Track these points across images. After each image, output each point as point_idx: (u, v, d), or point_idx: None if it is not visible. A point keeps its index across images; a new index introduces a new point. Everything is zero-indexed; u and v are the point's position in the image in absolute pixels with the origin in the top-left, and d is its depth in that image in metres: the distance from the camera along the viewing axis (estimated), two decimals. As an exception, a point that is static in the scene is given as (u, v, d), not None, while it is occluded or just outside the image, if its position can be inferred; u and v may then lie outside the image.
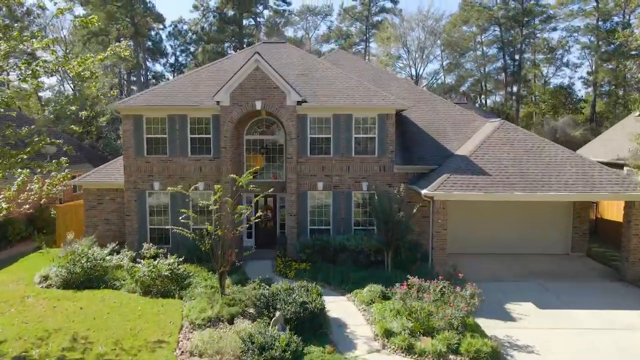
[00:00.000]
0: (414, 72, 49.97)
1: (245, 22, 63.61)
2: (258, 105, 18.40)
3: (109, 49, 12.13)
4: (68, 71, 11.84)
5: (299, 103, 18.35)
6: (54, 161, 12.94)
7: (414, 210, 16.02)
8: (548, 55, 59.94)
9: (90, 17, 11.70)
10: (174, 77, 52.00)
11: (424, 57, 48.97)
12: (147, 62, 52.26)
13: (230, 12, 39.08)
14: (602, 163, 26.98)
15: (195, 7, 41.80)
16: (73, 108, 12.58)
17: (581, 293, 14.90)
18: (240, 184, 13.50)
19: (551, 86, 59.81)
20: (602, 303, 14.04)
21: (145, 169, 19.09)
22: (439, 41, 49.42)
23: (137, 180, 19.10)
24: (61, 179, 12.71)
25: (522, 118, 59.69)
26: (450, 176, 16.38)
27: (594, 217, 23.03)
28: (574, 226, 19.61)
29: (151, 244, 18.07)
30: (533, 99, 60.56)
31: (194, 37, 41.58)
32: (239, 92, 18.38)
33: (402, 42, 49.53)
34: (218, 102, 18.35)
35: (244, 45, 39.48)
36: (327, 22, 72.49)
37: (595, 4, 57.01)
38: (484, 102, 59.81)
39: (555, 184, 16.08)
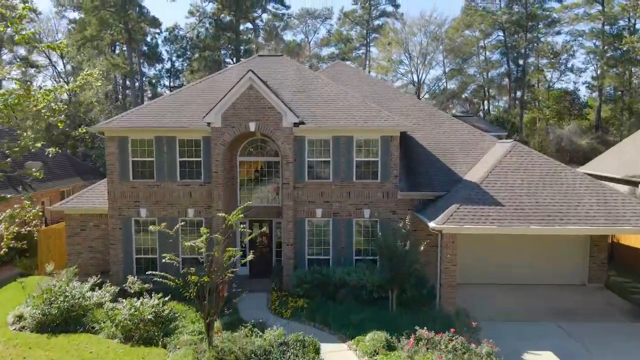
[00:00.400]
0: (415, 78, 48.71)
1: (242, 26, 62.38)
2: (252, 126, 17.08)
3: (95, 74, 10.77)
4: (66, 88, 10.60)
5: (296, 125, 17.03)
6: (23, 197, 11.60)
7: (421, 248, 14.67)
8: (552, 60, 58.67)
9: (59, 42, 10.35)
10: (170, 82, 50.74)
11: (426, 63, 47.67)
12: (143, 68, 51.02)
13: (227, 19, 37.71)
14: (615, 179, 25.79)
15: (191, 13, 40.53)
16: (60, 125, 11.17)
17: (606, 339, 13.57)
18: (230, 222, 12.18)
19: (555, 91, 58.54)
20: (633, 353, 12.71)
21: (131, 195, 17.76)
22: (441, 47, 48.09)
23: (122, 207, 17.77)
24: (31, 217, 11.40)
25: (526, 124, 58.48)
26: (460, 207, 15.06)
27: (610, 241, 21.72)
28: (591, 255, 18.30)
29: (136, 277, 16.74)
30: (537, 104, 59.29)
31: (189, 43, 40.20)
32: (231, 113, 17.05)
33: (404, 48, 48.22)
34: (209, 124, 17.04)
35: (241, 53, 38.18)
36: (327, 25, 71.29)
37: (600, 7, 55.79)
38: (487, 108, 58.60)
39: (575, 216, 14.76)
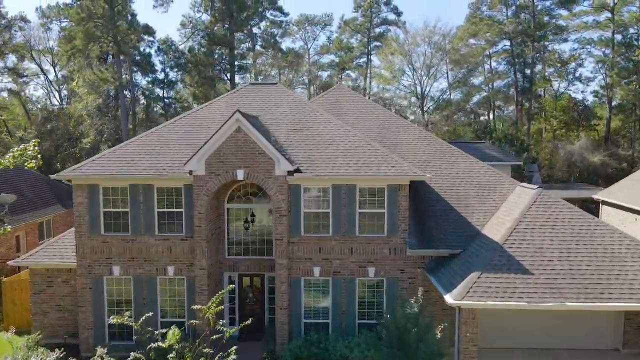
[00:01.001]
0: (419, 90, 46.55)
1: (239, 34, 60.36)
2: (240, 174, 14.90)
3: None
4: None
5: (290, 173, 14.86)
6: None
7: (438, 334, 12.46)
8: (560, 69, 56.52)
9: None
10: (164, 92, 48.40)
11: (430, 75, 45.50)
12: (136, 77, 48.85)
13: (221, 32, 35.53)
14: (641, 214, 23.67)
15: (183, 25, 38.29)
16: (33, 164, 9.22)
17: None
18: (207, 315, 9.98)
19: (563, 101, 56.32)
20: None
21: (103, 250, 15.57)
22: (446, 58, 45.94)
23: (92, 264, 15.58)
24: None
25: (533, 134, 56.32)
26: (482, 275, 12.88)
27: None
28: (627, 318, 16.11)
29: (109, 345, 14.53)
30: (543, 114, 57.06)
31: (182, 57, 37.94)
32: (216, 159, 14.88)
33: (407, 60, 46.07)
34: (190, 172, 14.86)
35: (235, 68, 36.00)
36: (327, 32, 69.15)
37: (609, 14, 53.66)
38: (493, 120, 56.38)
39: (617, 288, 12.59)
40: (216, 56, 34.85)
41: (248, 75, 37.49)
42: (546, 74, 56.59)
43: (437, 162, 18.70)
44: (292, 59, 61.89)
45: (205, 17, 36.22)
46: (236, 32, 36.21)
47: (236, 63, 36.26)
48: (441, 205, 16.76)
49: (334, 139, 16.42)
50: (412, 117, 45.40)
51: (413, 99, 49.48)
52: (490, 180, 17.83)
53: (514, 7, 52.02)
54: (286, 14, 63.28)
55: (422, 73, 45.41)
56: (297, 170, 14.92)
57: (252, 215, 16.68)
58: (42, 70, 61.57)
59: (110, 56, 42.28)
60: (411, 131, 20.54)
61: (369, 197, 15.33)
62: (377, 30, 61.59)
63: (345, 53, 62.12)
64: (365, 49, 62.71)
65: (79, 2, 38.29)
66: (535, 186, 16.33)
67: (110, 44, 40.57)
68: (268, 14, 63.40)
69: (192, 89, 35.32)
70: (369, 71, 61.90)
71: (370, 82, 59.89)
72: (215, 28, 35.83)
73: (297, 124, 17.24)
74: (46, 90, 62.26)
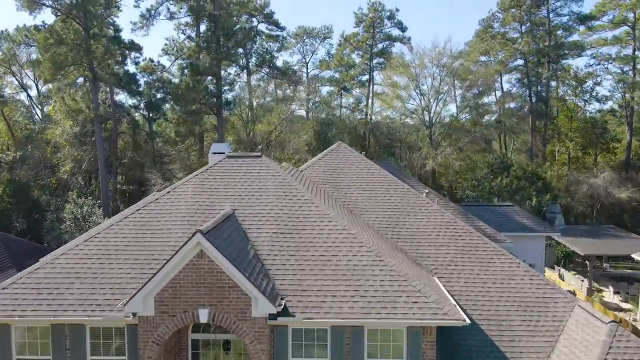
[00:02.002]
0: (426, 118, 42.37)
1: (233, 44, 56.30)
2: (203, 315, 10.75)
3: None
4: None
5: (273, 316, 10.69)
6: None
7: None
8: (577, 90, 52.42)
9: None
10: (148, 114, 44.08)
11: (438, 100, 41.39)
12: (121, 99, 44.71)
13: (206, 61, 31.34)
14: None
15: (165, 51, 34.12)
16: None
17: None
18: None
19: (579, 121, 52.13)
20: None
21: (17, 413, 11.40)
22: (456, 81, 41.83)
23: None
24: None
25: (547, 155, 52.17)
26: None
27: None
28: None
29: None
30: (557, 135, 52.82)
31: (164, 88, 33.72)
32: (170, 295, 10.72)
33: (414, 84, 41.96)
34: (134, 314, 10.71)
35: (223, 102, 31.80)
36: (327, 44, 65.06)
37: (629, 29, 49.55)
38: (505, 146, 52.27)
39: None
40: (200, 88, 30.58)
41: (235, 109, 33.25)
42: (560, 91, 52.55)
43: (466, 264, 14.50)
44: (289, 75, 57.84)
45: (190, 43, 31.96)
46: (224, 60, 31.99)
47: (224, 97, 32.02)
48: (478, 339, 12.55)
49: (333, 250, 12.24)
50: (420, 147, 41.16)
51: (416, 119, 45.20)
52: (538, 295, 13.61)
53: (528, 24, 47.85)
54: (282, 28, 59.34)
55: (431, 99, 41.26)
56: (284, 312, 10.74)
57: (227, 346, 12.50)
58: (22, 86, 57.53)
59: (89, 82, 38.01)
60: (429, 212, 16.32)
61: (382, 341, 11.15)
62: (380, 45, 57.54)
63: (345, 70, 57.96)
64: (367, 66, 58.67)
65: (48, 26, 34.10)
66: (607, 321, 11.99)
67: (85, 71, 36.44)
68: (263, 28, 59.42)
69: (173, 127, 31.11)
70: (371, 88, 57.74)
71: (372, 102, 55.77)
72: (201, 56, 31.60)
73: (284, 222, 13.06)
74: (26, 109, 58.11)
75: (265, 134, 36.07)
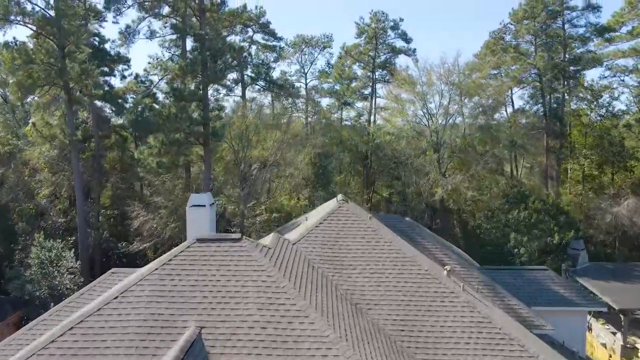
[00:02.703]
0: (434, 139, 38.90)
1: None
2: None
3: None
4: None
5: None
6: None
7: None
8: (592, 104, 48.99)
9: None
10: (134, 134, 40.52)
11: (447, 120, 38.01)
12: (108, 110, 41.29)
13: (191, 86, 27.87)
14: None
15: (147, 72, 30.70)
16: None
17: None
18: None
19: (593, 137, 48.69)
20: None
21: None
22: (466, 100, 38.49)
23: None
24: None
25: (562, 172, 48.78)
26: None
27: None
28: None
29: None
30: (569, 151, 49.35)
31: (145, 112, 30.25)
32: None
33: (422, 104, 38.61)
34: None
35: (209, 131, 28.34)
36: (326, 54, 61.62)
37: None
38: (516, 169, 48.93)
39: None
40: (183, 116, 27.16)
41: (225, 138, 29.84)
42: (572, 105, 49.07)
43: (507, 390, 11.09)
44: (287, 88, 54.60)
45: (174, 64, 28.43)
46: (211, 84, 28.58)
47: (210, 125, 28.55)
48: None
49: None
50: (428, 172, 37.78)
51: (423, 141, 41.76)
52: None
53: (543, 37, 44.37)
54: (279, 39, 56.09)
55: (439, 118, 37.87)
56: None
57: None
58: (4, 99, 54.11)
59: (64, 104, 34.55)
60: (454, 308, 12.86)
61: None
62: (383, 57, 54.09)
63: (346, 84, 54.54)
64: (369, 79, 55.28)
65: (18, 43, 30.69)
66: None
67: (60, 92, 33.09)
68: (259, 38, 56.29)
69: (153, 158, 27.72)
70: (373, 102, 54.34)
71: (374, 117, 52.36)
72: (186, 80, 28.16)
73: (267, 348, 9.66)
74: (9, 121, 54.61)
75: (259, 161, 32.66)
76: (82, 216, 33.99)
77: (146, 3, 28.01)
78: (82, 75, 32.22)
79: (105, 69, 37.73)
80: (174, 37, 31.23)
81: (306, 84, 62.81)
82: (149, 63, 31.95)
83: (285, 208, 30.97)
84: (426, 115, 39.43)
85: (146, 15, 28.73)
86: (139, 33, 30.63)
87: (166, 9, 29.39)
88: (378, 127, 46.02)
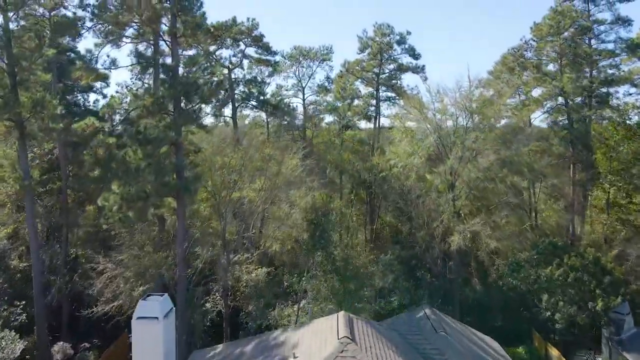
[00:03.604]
0: (448, 174, 33.75)
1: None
2: None
3: None
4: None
5: None
6: None
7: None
8: (618, 126, 43.91)
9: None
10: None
11: (464, 153, 32.87)
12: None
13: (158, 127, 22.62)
14: None
15: (111, 107, 25.38)
16: None
17: None
18: None
19: (618, 162, 43.58)
20: None
21: None
22: (485, 128, 33.47)
23: None
24: None
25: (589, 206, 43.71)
26: None
27: None
28: None
29: None
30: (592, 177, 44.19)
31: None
32: None
33: (435, 135, 33.52)
34: None
35: (183, 185, 23.16)
36: (325, 67, 56.61)
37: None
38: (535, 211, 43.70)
39: None
40: (149, 164, 22.05)
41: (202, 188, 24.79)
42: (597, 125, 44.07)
43: None
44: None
45: (140, 99, 23.23)
46: (185, 124, 23.42)
47: (188, 174, 23.40)
48: None
49: None
50: (442, 213, 32.73)
51: (436, 176, 36.59)
52: None
53: (571, 55, 39.23)
54: (273, 53, 51.12)
55: (454, 149, 32.79)
56: None
57: None
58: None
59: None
60: None
61: None
62: (388, 72, 49.06)
63: (348, 102, 49.47)
64: (372, 97, 50.27)
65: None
66: None
67: (12, 127, 28.06)
68: (252, 52, 51.34)
69: (115, 212, 22.64)
70: (377, 121, 49.32)
71: (379, 141, 47.28)
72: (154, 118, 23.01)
73: None
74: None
75: (246, 208, 27.62)
76: (38, 269, 28.87)
77: (104, 27, 22.84)
78: (36, 106, 27.06)
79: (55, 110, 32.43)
80: (140, 68, 26.14)
81: (304, 99, 57.81)
82: (112, 97, 26.79)
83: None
84: (439, 147, 34.29)
85: (106, 41, 23.57)
86: (96, 62, 25.47)
87: (132, 30, 24.19)
88: (383, 155, 41.04)
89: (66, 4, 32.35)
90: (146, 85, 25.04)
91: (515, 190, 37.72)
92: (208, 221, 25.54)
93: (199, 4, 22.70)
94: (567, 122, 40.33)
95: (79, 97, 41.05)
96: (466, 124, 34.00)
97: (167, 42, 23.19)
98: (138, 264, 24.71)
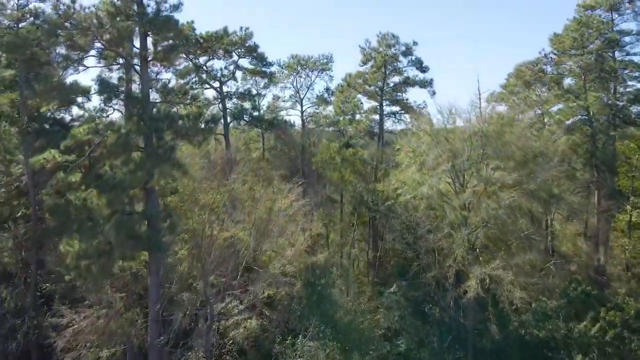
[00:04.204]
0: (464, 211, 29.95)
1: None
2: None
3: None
4: None
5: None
6: None
7: None
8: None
9: None
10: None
11: (479, 185, 29.12)
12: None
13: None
14: None
15: (74, 138, 21.47)
16: None
17: None
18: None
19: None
20: None
21: None
22: (503, 163, 29.67)
23: None
24: None
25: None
26: None
27: None
28: None
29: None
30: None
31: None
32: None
33: (449, 163, 29.74)
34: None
35: (156, 242, 19.30)
36: (325, 76, 52.86)
37: None
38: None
39: None
40: (113, 213, 18.21)
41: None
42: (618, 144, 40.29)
43: None
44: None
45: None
46: (158, 165, 19.47)
47: (162, 225, 19.59)
48: None
49: None
50: (455, 252, 28.96)
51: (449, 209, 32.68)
52: None
53: (597, 72, 35.39)
54: (269, 64, 47.46)
55: (470, 182, 29.10)
56: None
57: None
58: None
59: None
60: None
61: None
62: (392, 84, 45.26)
63: (349, 118, 45.65)
64: (375, 112, 46.50)
65: None
66: None
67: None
68: (245, 62, 47.74)
69: (74, 268, 18.89)
70: (380, 139, 45.56)
71: (382, 160, 43.44)
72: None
73: None
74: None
75: (232, 252, 23.89)
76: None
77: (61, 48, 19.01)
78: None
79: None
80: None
81: (302, 111, 54.08)
82: (75, 128, 22.89)
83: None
84: (452, 175, 30.47)
85: (63, 65, 19.77)
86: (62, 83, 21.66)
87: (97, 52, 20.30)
88: (387, 178, 37.31)
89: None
90: (112, 118, 21.17)
91: (532, 217, 33.92)
92: (188, 274, 21.72)
93: (174, 22, 18.87)
94: (590, 143, 36.47)
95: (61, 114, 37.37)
96: (483, 150, 30.14)
97: (136, 67, 19.35)
98: (103, 326, 20.92)
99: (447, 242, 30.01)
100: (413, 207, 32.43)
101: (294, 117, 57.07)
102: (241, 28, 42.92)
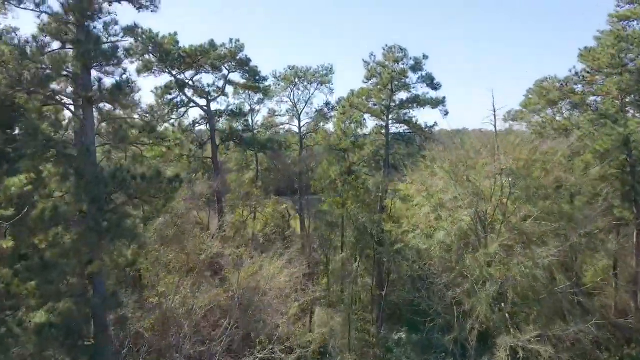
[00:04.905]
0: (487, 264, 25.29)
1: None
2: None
3: None
4: None
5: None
6: None
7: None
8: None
9: None
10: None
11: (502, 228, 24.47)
12: None
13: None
14: None
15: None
16: None
17: None
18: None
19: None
20: None
21: None
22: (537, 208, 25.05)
23: None
24: None
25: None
26: None
27: None
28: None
29: None
30: None
31: None
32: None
33: (468, 201, 25.14)
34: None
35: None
36: (325, 89, 48.31)
37: None
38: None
39: None
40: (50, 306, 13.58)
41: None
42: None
43: None
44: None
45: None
46: (113, 240, 14.81)
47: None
48: None
49: None
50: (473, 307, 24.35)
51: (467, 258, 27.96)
52: None
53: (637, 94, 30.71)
54: (262, 79, 42.87)
55: (497, 240, 24.50)
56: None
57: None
58: None
59: None
60: None
61: None
62: (400, 99, 40.56)
63: (352, 141, 40.92)
64: (381, 132, 41.79)
65: None
66: None
67: None
68: (236, 76, 43.30)
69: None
70: (387, 167, 40.81)
71: (386, 187, 38.72)
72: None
73: None
74: None
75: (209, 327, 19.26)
76: None
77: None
78: None
79: None
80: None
81: (300, 127, 49.47)
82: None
83: None
84: (474, 221, 25.83)
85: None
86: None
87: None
88: (395, 213, 32.83)
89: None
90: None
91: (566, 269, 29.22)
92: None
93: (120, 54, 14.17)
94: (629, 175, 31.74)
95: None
96: (510, 190, 25.47)
97: (73, 111, 14.66)
98: None
99: (468, 301, 25.34)
100: (427, 254, 27.80)
101: (291, 127, 52.35)
102: (231, 40, 38.36)
